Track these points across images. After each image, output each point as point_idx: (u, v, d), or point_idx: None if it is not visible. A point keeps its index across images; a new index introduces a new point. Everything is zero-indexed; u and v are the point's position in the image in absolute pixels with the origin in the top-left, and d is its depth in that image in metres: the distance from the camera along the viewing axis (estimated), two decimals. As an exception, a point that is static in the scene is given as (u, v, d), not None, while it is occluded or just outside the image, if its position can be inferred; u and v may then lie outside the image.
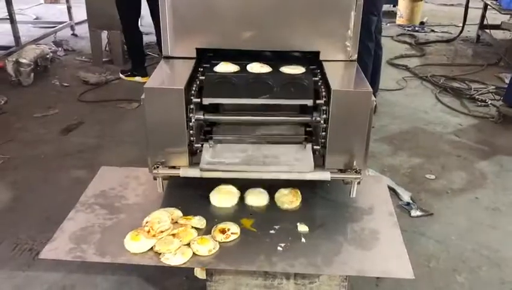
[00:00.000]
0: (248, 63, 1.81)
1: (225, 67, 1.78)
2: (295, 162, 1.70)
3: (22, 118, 3.76)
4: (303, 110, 1.77)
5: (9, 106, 3.97)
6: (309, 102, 1.66)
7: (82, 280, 2.16)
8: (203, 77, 1.71)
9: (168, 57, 1.84)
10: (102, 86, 4.46)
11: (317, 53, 1.84)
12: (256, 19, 1.79)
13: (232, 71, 1.77)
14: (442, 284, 2.15)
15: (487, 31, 5.72)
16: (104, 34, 4.95)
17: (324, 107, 1.62)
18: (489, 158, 3.26)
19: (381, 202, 1.88)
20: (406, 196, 2.76)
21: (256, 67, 1.79)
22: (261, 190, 1.87)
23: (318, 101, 1.65)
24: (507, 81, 4.48)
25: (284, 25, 1.80)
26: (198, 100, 1.65)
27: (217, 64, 1.80)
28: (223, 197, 1.83)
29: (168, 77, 1.79)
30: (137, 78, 4.47)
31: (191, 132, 1.67)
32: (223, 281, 1.72)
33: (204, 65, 1.80)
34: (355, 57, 1.83)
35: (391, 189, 2.77)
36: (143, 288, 2.11)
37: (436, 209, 2.69)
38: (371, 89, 1.60)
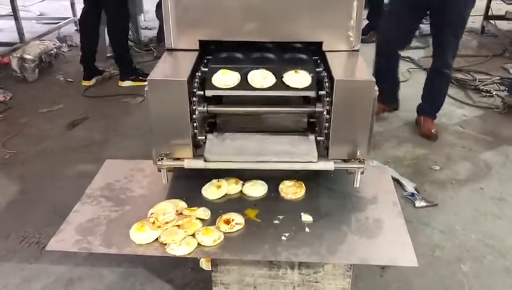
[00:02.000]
0: (248, 66, 1.70)
1: (224, 79, 1.66)
2: (299, 151, 1.70)
3: (27, 114, 3.78)
4: (306, 100, 1.78)
5: (14, 101, 4.00)
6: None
7: (88, 272, 2.18)
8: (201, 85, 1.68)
9: (171, 50, 1.84)
10: (106, 81, 4.47)
11: (320, 45, 1.83)
12: (259, 9, 1.78)
13: (232, 85, 1.66)
14: (446, 273, 2.16)
15: (492, 21, 5.67)
16: (108, 29, 4.96)
17: (327, 98, 1.63)
18: (494, 149, 3.25)
19: (385, 191, 1.88)
20: (410, 187, 2.76)
21: (258, 78, 1.67)
22: (260, 181, 1.87)
23: (321, 92, 1.65)
24: (512, 71, 4.47)
25: (287, 16, 1.79)
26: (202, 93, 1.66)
27: (215, 69, 1.69)
28: (211, 190, 1.84)
29: (171, 68, 1.80)
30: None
31: (194, 124, 1.67)
32: (228, 271, 1.73)
33: (203, 69, 1.73)
34: (358, 47, 1.83)
35: (395, 180, 2.77)
36: (149, 280, 2.13)
37: (440, 199, 2.69)
38: (373, 78, 1.60)
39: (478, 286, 2.09)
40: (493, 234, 2.42)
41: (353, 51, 1.83)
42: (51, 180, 2.88)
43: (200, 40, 1.83)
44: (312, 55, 1.87)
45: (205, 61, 1.82)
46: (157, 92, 1.63)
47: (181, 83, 1.60)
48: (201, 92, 1.67)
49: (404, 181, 2.81)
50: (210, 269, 1.76)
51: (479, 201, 2.70)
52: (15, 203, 2.70)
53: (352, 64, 1.78)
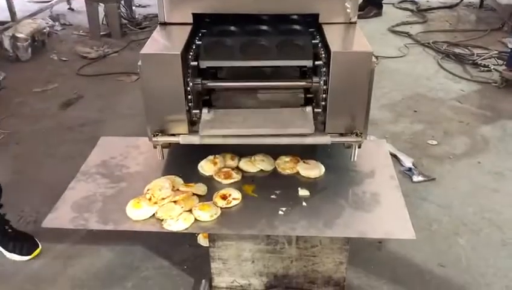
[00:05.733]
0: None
1: None
2: (296, 124, 1.68)
3: (21, 93, 3.75)
4: (303, 74, 1.75)
5: (8, 81, 3.95)
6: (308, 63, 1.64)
7: (87, 250, 2.19)
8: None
9: (164, 24, 1.80)
10: (100, 60, 4.42)
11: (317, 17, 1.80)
12: (253, -19, 1.75)
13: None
14: (444, 247, 2.17)
15: (491, -5, 5.61)
16: (101, 8, 4.89)
17: (324, 70, 1.60)
18: (492, 123, 3.24)
19: (383, 165, 1.87)
20: (408, 162, 2.75)
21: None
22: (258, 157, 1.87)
23: (317, 63, 1.62)
24: (510, 46, 4.43)
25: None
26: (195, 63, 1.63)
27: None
28: (208, 165, 1.84)
29: (165, 42, 1.75)
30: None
31: (189, 97, 1.65)
32: (225, 247, 1.73)
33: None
34: (355, 19, 1.79)
35: (393, 155, 2.77)
36: (147, 256, 2.14)
37: (438, 174, 2.69)
38: (371, 50, 1.57)
39: (475, 259, 2.11)
40: (490, 207, 2.43)
41: (350, 23, 1.80)
42: (46, 160, 2.87)
43: (193, 14, 1.79)
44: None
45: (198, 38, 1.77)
46: (150, 67, 1.59)
47: (175, 57, 1.57)
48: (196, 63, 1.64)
49: (401, 156, 2.80)
50: (208, 245, 1.76)
51: (476, 175, 2.70)
52: (11, 183, 2.67)
53: (349, 36, 1.75)
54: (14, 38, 4.27)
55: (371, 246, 2.14)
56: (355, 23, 1.79)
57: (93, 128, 3.21)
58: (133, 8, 5.42)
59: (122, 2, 5.06)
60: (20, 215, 2.41)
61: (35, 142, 3.08)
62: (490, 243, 2.20)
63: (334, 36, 1.68)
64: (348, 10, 1.77)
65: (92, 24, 4.91)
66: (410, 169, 2.69)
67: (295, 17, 1.88)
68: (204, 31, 1.80)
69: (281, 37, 1.72)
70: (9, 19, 4.80)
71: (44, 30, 4.69)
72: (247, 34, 1.76)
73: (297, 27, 1.79)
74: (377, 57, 4.25)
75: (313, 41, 1.71)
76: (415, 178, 2.63)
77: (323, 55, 1.63)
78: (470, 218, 2.35)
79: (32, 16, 5.05)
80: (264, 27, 1.80)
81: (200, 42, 1.71)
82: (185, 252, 2.13)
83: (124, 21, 5.16)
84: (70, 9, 5.89)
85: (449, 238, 2.22)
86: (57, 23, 5.28)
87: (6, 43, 4.28)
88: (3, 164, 2.84)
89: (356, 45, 1.67)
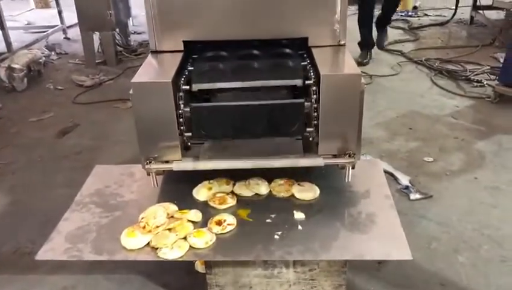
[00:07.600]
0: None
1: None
2: (285, 149, 1.70)
3: (17, 123, 3.75)
4: (294, 96, 1.76)
5: (4, 111, 3.97)
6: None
7: (83, 281, 2.16)
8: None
9: (155, 52, 1.83)
10: (96, 88, 4.45)
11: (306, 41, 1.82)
12: (242, 7, 1.77)
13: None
14: (443, 265, 2.14)
15: (480, 11, 5.69)
16: (96, 36, 4.94)
17: (314, 91, 1.61)
18: (487, 138, 3.24)
19: (377, 185, 1.87)
20: (404, 180, 2.74)
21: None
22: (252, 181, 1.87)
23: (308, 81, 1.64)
24: (502, 60, 4.47)
25: (271, 13, 1.79)
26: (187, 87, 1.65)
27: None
28: (202, 191, 1.84)
29: (156, 70, 1.78)
30: None
31: (181, 121, 1.65)
32: (222, 273, 1.71)
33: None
34: (344, 41, 1.82)
35: (389, 174, 2.76)
36: (144, 285, 2.11)
37: (435, 191, 2.67)
38: (359, 72, 1.59)
39: (476, 276, 2.08)
40: (489, 223, 2.41)
41: (339, 45, 1.82)
42: (42, 190, 2.85)
43: (184, 41, 1.81)
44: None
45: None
46: (142, 95, 1.61)
47: (165, 85, 1.59)
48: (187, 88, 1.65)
49: (398, 174, 2.79)
50: (205, 272, 1.74)
51: (473, 191, 2.69)
52: (6, 215, 2.67)
53: (338, 58, 1.77)
54: (10, 69, 4.30)
55: (370, 267, 2.11)
56: (344, 45, 1.82)
57: (90, 155, 3.21)
58: (128, 34, 5.49)
59: (117, 29, 5.13)
60: (16, 247, 2.38)
61: (31, 172, 3.07)
62: (490, 260, 2.17)
63: (323, 59, 1.70)
64: (336, 33, 1.80)
65: (87, 52, 4.96)
66: (407, 187, 2.68)
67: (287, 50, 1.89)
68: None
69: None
70: (5, 50, 4.87)
71: (40, 60, 4.73)
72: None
73: (290, 62, 1.79)
74: (371, 76, 4.29)
75: (307, 82, 1.68)
76: (412, 196, 2.62)
77: (313, 78, 1.64)
78: (469, 235, 2.33)
79: (28, 46, 5.11)
80: (255, 63, 1.80)
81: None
82: (182, 279, 2.10)
83: (119, 48, 5.21)
84: (66, 38, 5.97)
85: (449, 256, 2.20)
86: (52, 53, 5.33)
87: (2, 74, 4.30)
88: (0, 194, 2.83)
89: (345, 67, 1.69)
